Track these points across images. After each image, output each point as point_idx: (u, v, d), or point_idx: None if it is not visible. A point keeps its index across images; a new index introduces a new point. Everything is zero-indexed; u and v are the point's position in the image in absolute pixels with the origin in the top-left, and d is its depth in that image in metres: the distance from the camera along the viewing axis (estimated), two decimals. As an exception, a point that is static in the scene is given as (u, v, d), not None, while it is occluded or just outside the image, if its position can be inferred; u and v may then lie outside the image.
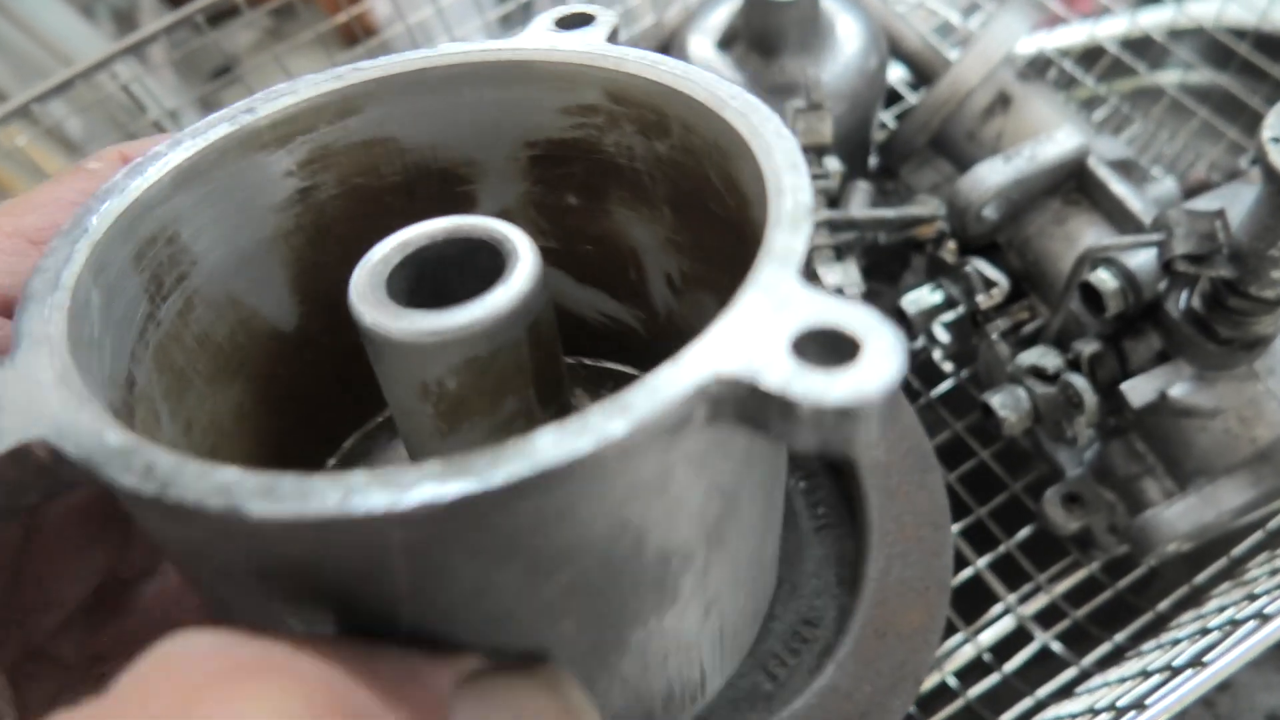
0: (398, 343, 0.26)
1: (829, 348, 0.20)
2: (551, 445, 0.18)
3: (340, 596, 0.20)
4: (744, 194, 0.27)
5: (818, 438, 0.19)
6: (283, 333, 0.34)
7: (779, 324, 0.20)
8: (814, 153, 0.73)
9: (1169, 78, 0.93)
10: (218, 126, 0.29)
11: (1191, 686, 0.42)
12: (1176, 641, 0.55)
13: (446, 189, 0.33)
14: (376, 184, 0.33)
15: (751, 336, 0.20)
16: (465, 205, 0.34)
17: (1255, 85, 0.85)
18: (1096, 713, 0.48)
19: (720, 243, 0.30)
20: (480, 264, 0.28)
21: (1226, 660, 0.42)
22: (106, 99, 0.88)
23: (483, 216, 0.29)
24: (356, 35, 1.06)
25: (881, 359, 0.19)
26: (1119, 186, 0.68)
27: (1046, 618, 0.72)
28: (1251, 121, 0.84)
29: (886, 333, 0.19)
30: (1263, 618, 0.45)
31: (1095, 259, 0.64)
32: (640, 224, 0.34)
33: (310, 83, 0.30)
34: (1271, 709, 0.83)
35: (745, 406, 0.20)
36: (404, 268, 0.28)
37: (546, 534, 0.20)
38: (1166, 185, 0.74)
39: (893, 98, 0.97)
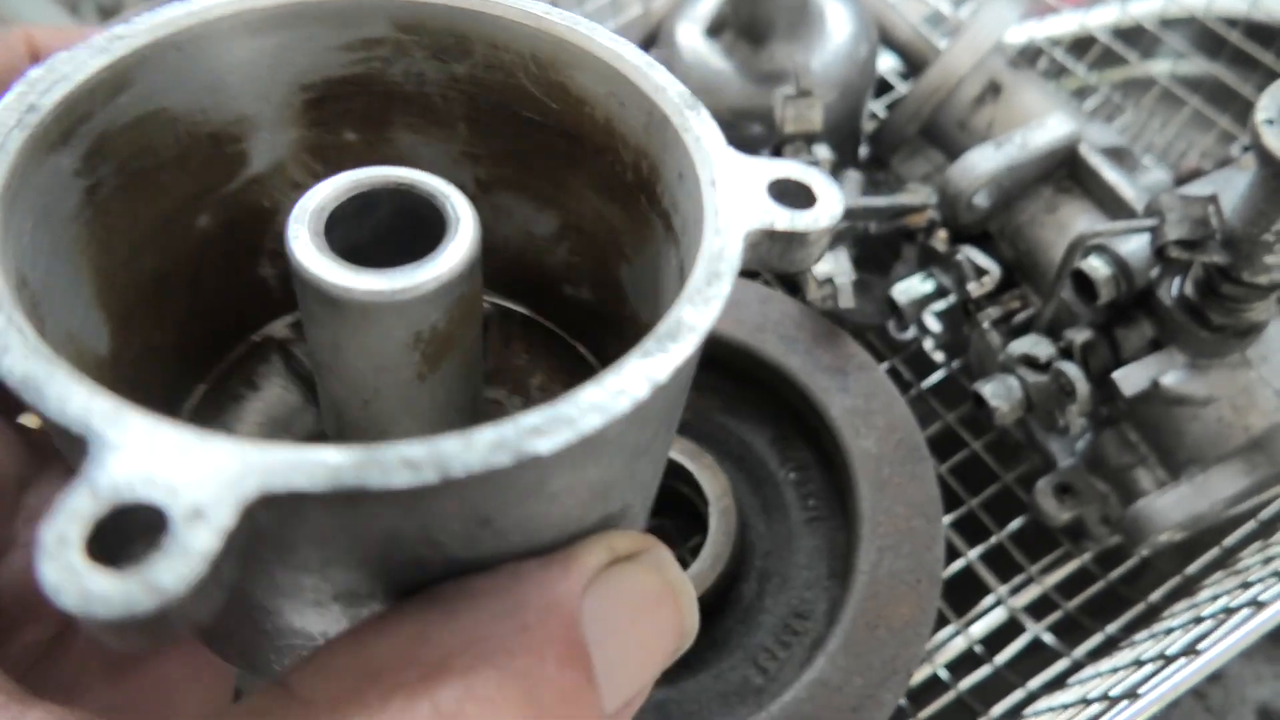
0: (368, 304, 0.26)
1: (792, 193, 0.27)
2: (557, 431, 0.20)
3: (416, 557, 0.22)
4: (578, 96, 0.30)
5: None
6: (104, 360, 0.30)
7: (757, 171, 0.27)
8: (804, 140, 0.72)
9: (1160, 67, 0.93)
10: (11, 135, 0.25)
11: (1185, 675, 0.42)
12: (1170, 631, 0.55)
13: (218, 152, 0.31)
14: (153, 165, 0.30)
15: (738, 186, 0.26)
16: (237, 166, 0.32)
17: (1247, 74, 0.85)
18: (1089, 702, 0.48)
19: (532, 145, 0.31)
20: (406, 217, 0.27)
21: (1221, 648, 0.42)
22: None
23: (383, 168, 0.28)
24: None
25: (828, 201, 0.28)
26: (1111, 173, 0.67)
27: (1038, 609, 0.72)
28: (1243, 110, 0.83)
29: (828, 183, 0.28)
30: (1257, 605, 0.45)
31: (1087, 246, 0.63)
32: (428, 144, 0.33)
33: (77, 60, 0.26)
34: (1263, 701, 0.83)
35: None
36: (335, 226, 0.27)
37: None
38: (1158, 174, 0.73)
39: (883, 88, 0.96)
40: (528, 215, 0.34)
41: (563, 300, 0.36)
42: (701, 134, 0.28)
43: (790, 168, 0.28)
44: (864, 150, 0.90)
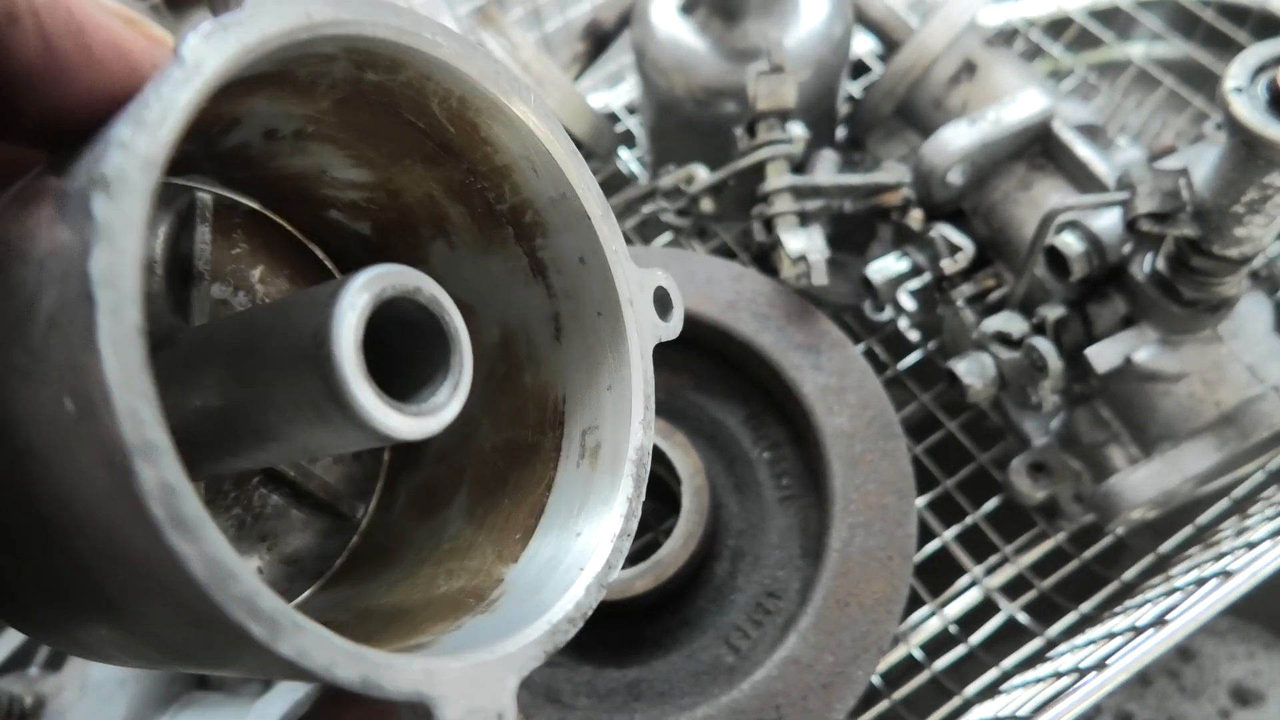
0: (381, 434, 0.26)
1: None
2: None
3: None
4: (486, 138, 0.32)
5: None
6: None
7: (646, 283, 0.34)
8: (777, 117, 0.71)
9: (1136, 50, 0.93)
10: None
11: (1154, 644, 0.41)
12: (1143, 604, 0.54)
13: None
14: None
15: None
16: None
17: (1221, 54, 0.85)
18: (1060, 675, 0.47)
19: (392, 134, 0.32)
20: (406, 325, 0.27)
21: (1189, 617, 0.42)
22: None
23: (398, 272, 0.27)
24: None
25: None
26: (1084, 149, 0.67)
27: (1013, 589, 0.71)
28: (1217, 91, 0.83)
29: None
30: (1226, 574, 0.44)
31: (1060, 222, 0.63)
32: (273, 102, 0.32)
33: None
34: (1236, 680, 0.83)
35: None
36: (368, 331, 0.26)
37: None
38: (1132, 153, 0.73)
39: (860, 70, 0.96)
40: (333, 161, 0.34)
41: (323, 221, 0.36)
42: (617, 248, 0.32)
43: (661, 278, 0.34)
44: (841, 132, 0.89)
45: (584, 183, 0.32)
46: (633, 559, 0.63)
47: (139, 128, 0.21)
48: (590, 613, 0.30)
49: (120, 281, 0.20)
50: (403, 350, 0.27)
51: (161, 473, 0.20)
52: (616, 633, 0.64)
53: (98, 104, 0.25)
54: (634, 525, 0.32)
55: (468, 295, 0.35)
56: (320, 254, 0.38)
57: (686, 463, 0.64)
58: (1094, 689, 0.41)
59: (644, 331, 0.33)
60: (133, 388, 0.20)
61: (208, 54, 0.23)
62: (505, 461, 0.36)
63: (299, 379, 0.25)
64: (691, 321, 0.71)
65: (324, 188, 0.35)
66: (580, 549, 0.31)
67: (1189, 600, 0.44)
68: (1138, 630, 0.45)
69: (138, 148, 0.21)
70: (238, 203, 0.36)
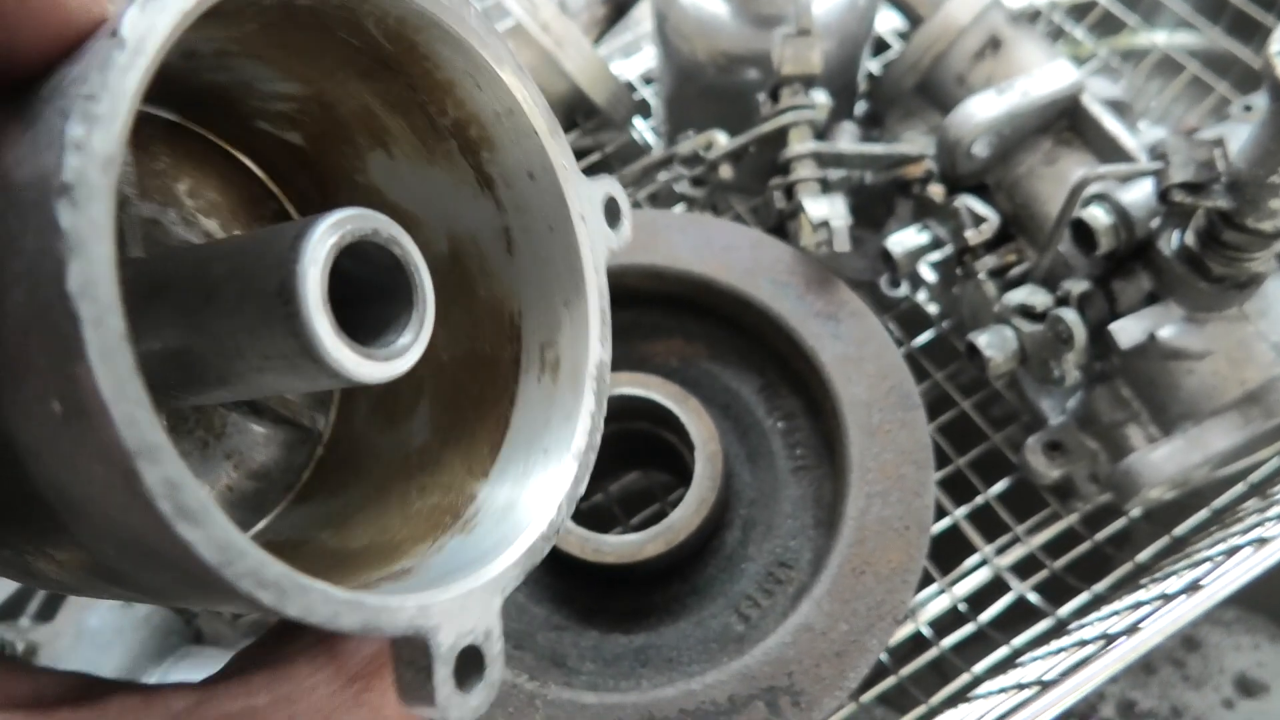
0: (351, 380, 0.26)
1: None
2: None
3: None
4: (426, 55, 0.31)
5: None
6: None
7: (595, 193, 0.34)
8: (801, 83, 0.70)
9: (1159, 37, 0.92)
10: None
11: (1190, 607, 0.40)
12: (1168, 576, 0.53)
13: None
14: None
15: None
16: None
17: (1246, 40, 0.84)
18: (1086, 643, 0.46)
19: (323, 50, 0.31)
20: (370, 266, 0.28)
21: (1224, 583, 0.41)
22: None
23: (362, 214, 0.27)
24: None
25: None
26: (1113, 123, 0.66)
27: (1024, 569, 0.70)
28: (1242, 76, 0.83)
29: None
30: (1261, 542, 0.43)
31: (1088, 195, 0.62)
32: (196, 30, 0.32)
33: None
34: (1240, 671, 0.82)
35: None
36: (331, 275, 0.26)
37: None
38: (1159, 133, 0.72)
39: (880, 47, 0.95)
40: (259, 75, 0.33)
41: (250, 130, 0.36)
42: (566, 164, 0.32)
43: (609, 185, 0.34)
44: (859, 109, 0.88)
45: (531, 99, 0.31)
46: (642, 528, 0.62)
47: (92, 124, 0.20)
48: (561, 529, 0.31)
49: (99, 291, 0.19)
50: (362, 287, 0.27)
51: (165, 470, 0.20)
52: (624, 599, 0.63)
53: (32, 56, 0.24)
54: (598, 440, 0.32)
55: (411, 204, 0.35)
56: (249, 163, 0.37)
57: (700, 428, 0.63)
58: (1128, 650, 0.40)
59: (597, 247, 0.33)
60: (127, 395, 0.19)
61: (148, 29, 0.22)
62: (465, 374, 0.36)
63: (269, 332, 0.26)
64: (708, 288, 0.70)
65: (250, 99, 0.34)
66: (549, 465, 0.32)
67: (1219, 569, 0.43)
68: (1168, 597, 0.44)
69: (93, 147, 0.20)
70: (154, 115, 0.35)
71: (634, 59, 0.98)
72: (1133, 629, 0.43)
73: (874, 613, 0.56)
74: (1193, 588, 0.43)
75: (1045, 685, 0.49)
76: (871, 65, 0.92)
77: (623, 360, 0.70)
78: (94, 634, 0.55)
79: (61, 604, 0.58)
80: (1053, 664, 0.49)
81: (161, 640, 0.58)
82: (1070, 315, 0.61)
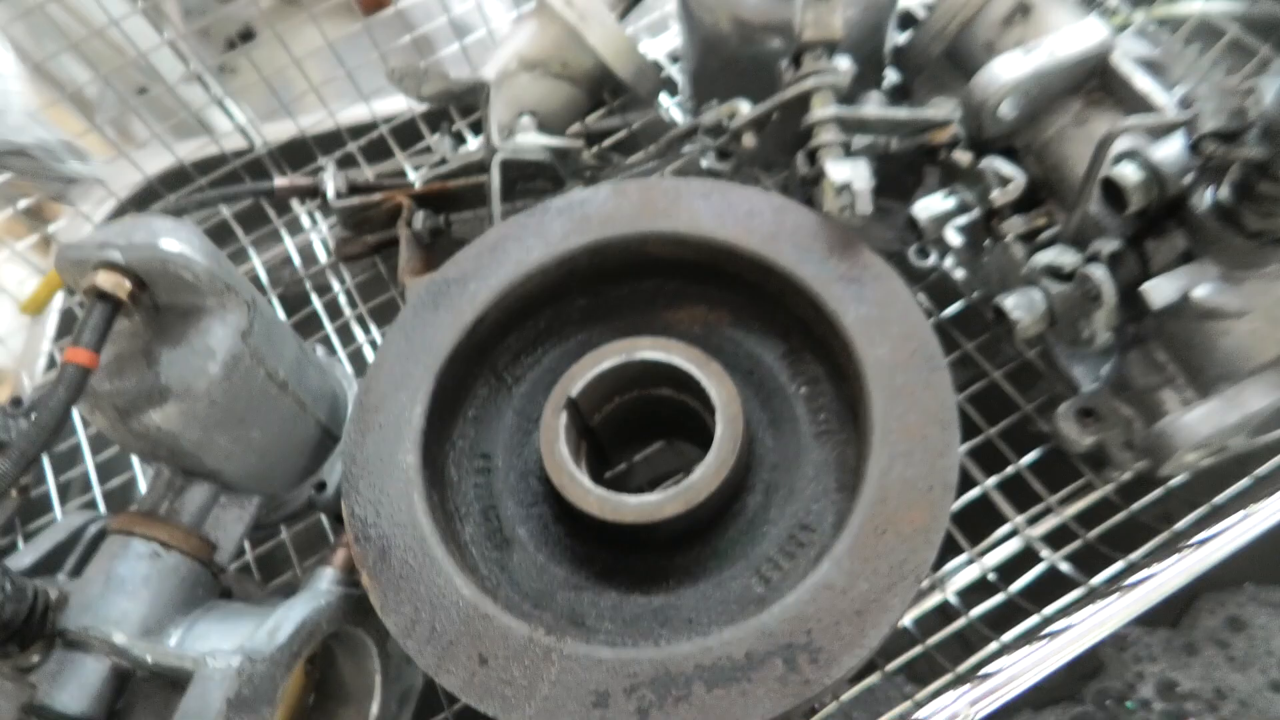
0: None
1: None
2: None
3: None
4: None
5: None
6: None
7: None
8: (824, 48, 0.70)
9: (1195, 5, 0.90)
10: None
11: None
12: (1206, 542, 0.52)
13: None
14: None
15: None
16: None
17: (1289, 2, 0.82)
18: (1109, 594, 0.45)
19: None
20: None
21: (1247, 528, 0.39)
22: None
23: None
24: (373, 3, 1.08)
25: None
26: (1145, 81, 0.64)
27: (1055, 540, 0.69)
28: (1283, 39, 0.80)
29: None
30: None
31: (1118, 154, 0.60)
32: None
33: None
34: (1289, 654, 0.79)
35: None
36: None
37: None
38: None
39: (907, 22, 0.94)
40: None
41: None
42: None
43: None
44: (887, 79, 0.87)
45: None
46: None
47: None
48: None
49: None
50: None
51: None
52: (644, 561, 0.63)
53: None
54: None
55: None
56: None
57: (721, 390, 0.63)
58: (1190, 564, 0.38)
59: None
60: None
61: None
62: None
63: None
64: (731, 253, 0.70)
65: None
66: None
67: (1249, 516, 0.42)
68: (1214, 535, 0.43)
69: None
70: None
71: (661, 38, 0.98)
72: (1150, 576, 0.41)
73: (896, 572, 0.56)
74: (1216, 537, 0.41)
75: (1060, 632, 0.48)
76: (899, 39, 0.91)
77: (645, 327, 0.70)
78: (122, 582, 0.56)
79: (92, 557, 0.60)
80: (1078, 619, 0.48)
81: (189, 592, 0.59)
82: (1099, 272, 0.59)
